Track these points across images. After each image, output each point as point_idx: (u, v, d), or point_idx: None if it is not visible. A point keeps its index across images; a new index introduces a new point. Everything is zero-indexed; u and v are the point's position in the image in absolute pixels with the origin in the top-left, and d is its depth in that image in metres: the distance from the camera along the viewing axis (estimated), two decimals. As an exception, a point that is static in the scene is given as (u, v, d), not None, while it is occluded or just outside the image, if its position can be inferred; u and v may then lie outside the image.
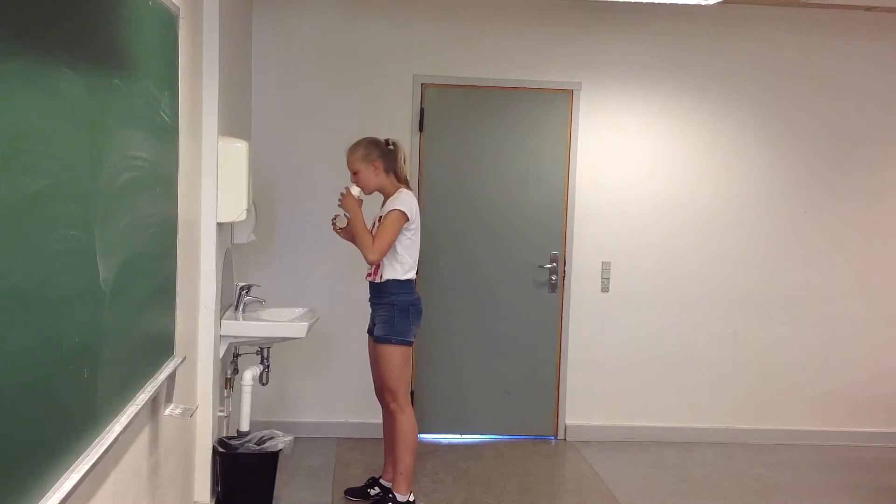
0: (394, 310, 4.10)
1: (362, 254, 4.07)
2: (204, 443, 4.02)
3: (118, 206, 2.34)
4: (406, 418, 4.14)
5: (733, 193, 5.53)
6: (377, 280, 4.12)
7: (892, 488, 4.96)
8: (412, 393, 5.45)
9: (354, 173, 4.14)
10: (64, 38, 1.90)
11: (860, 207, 5.60)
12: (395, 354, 4.10)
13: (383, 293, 4.12)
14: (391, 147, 4.18)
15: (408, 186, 4.22)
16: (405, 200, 4.07)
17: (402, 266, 4.10)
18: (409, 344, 4.16)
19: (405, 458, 4.15)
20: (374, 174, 4.12)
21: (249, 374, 4.37)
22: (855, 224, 5.60)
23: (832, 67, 5.52)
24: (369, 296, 4.23)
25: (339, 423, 5.35)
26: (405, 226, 4.06)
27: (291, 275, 5.29)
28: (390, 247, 4.04)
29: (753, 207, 5.55)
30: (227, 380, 4.42)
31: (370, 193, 4.18)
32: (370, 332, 4.29)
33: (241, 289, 4.37)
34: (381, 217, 4.14)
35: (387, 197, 4.18)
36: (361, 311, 5.37)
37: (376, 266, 4.11)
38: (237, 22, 4.54)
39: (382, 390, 4.20)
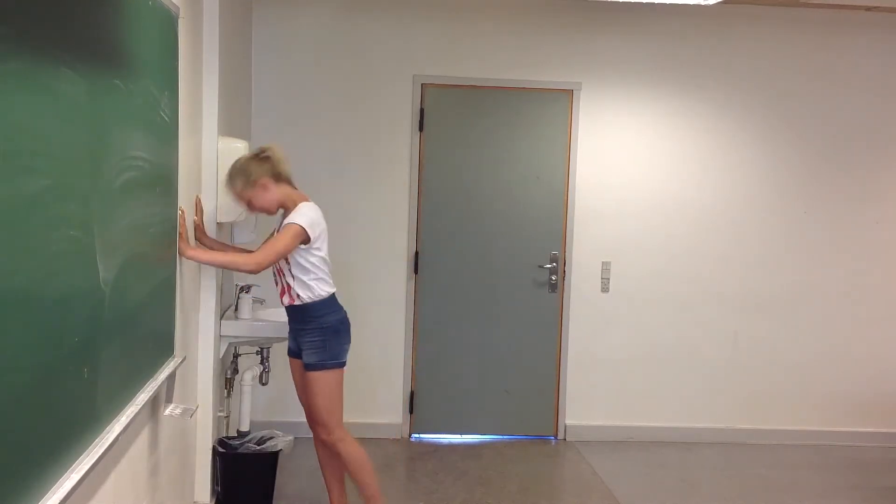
0: (325, 332, 3.67)
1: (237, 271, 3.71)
2: (204, 443, 4.02)
3: (118, 206, 2.34)
4: (348, 446, 3.76)
5: (733, 193, 5.53)
6: (295, 303, 3.68)
7: (892, 488, 4.96)
8: (412, 393, 5.45)
9: (248, 203, 3.67)
10: (64, 38, 1.90)
11: (860, 207, 5.60)
12: (329, 381, 3.69)
13: (308, 317, 3.68)
14: (266, 155, 3.66)
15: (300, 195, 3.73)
16: (305, 214, 3.58)
17: (318, 283, 3.66)
18: (344, 365, 3.75)
19: (367, 482, 3.78)
20: (267, 193, 3.61)
21: (249, 374, 4.37)
22: (855, 224, 5.60)
23: (832, 67, 5.51)
24: (289, 319, 3.78)
25: (339, 423, 5.33)
26: (311, 243, 3.61)
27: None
28: (277, 260, 3.58)
29: (753, 207, 5.55)
30: (227, 380, 4.42)
31: (274, 213, 3.73)
32: (294, 354, 3.84)
33: (241, 289, 4.36)
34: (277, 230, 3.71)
35: (287, 211, 3.67)
36: (361, 310, 5.38)
37: (284, 288, 3.68)
38: (237, 22, 4.54)
39: (316, 422, 3.79)
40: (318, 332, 3.67)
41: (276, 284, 3.75)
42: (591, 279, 5.51)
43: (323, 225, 3.67)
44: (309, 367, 3.70)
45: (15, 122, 1.62)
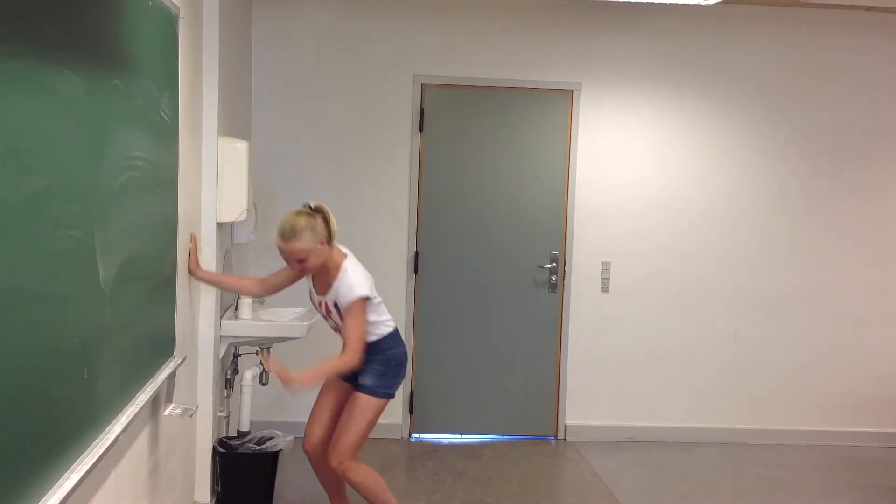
0: (389, 364, 3.67)
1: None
2: (204, 443, 4.02)
3: (118, 206, 2.34)
4: (356, 474, 3.66)
5: (733, 193, 5.53)
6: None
7: (892, 488, 4.96)
8: (412, 393, 5.46)
9: (301, 261, 3.47)
10: (64, 38, 1.90)
11: (860, 207, 5.60)
12: (373, 408, 3.64)
13: (375, 350, 3.65)
14: (324, 214, 3.52)
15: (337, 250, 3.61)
16: (359, 282, 3.51)
17: (381, 325, 3.67)
18: (391, 398, 3.73)
19: (385, 501, 3.73)
20: (322, 253, 3.49)
21: (249, 374, 4.37)
22: (854, 223, 5.60)
23: (832, 67, 5.52)
24: None
25: (339, 423, 5.34)
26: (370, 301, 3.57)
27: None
28: (364, 335, 3.56)
29: (753, 207, 5.55)
30: (227, 380, 4.42)
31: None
32: (335, 324, 3.74)
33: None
34: (329, 293, 3.58)
35: (328, 270, 3.55)
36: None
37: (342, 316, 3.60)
38: (237, 22, 4.54)
39: (335, 444, 3.63)
40: (384, 363, 3.66)
41: (334, 330, 3.71)
42: (591, 279, 5.51)
43: (371, 279, 3.61)
44: (363, 388, 3.65)
45: (15, 122, 1.62)
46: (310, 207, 3.52)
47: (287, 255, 3.48)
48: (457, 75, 5.34)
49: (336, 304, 3.57)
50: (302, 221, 3.43)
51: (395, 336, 3.74)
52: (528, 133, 5.42)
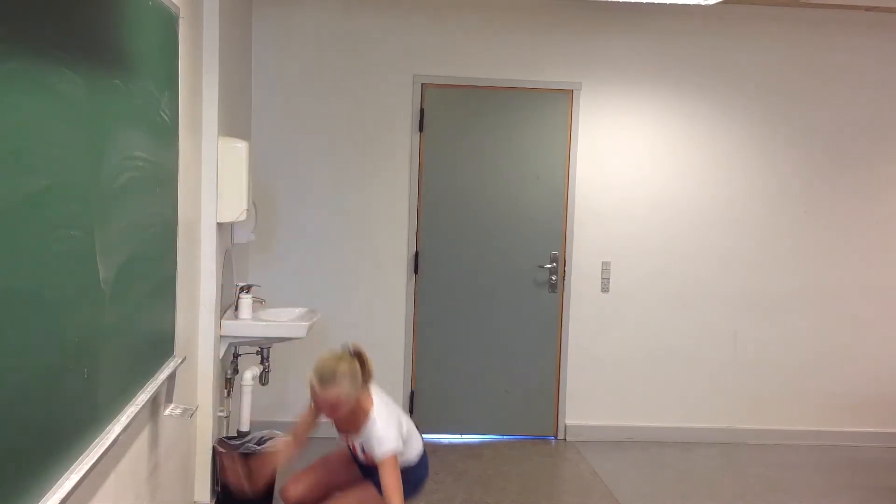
0: (408, 481, 3.40)
1: None
2: (204, 443, 4.02)
3: (118, 206, 2.34)
4: None
5: (733, 193, 5.53)
6: None
7: (892, 488, 4.96)
8: (412, 393, 5.46)
9: (334, 406, 3.21)
10: (64, 38, 1.90)
11: (860, 207, 5.61)
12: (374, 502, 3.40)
13: (402, 471, 3.38)
14: (360, 356, 3.29)
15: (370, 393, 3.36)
16: (388, 435, 3.27)
17: (411, 450, 3.50)
18: None
19: None
20: (356, 398, 3.25)
21: (249, 374, 4.37)
22: (854, 224, 5.61)
23: (832, 67, 5.52)
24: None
25: (339, 423, 5.33)
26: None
27: (291, 275, 5.30)
28: (401, 485, 3.26)
29: (753, 207, 5.55)
30: (227, 380, 4.42)
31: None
32: (356, 459, 3.54)
33: (241, 289, 4.36)
34: (357, 437, 3.39)
35: (356, 415, 3.31)
36: (362, 310, 5.39)
37: (372, 462, 3.35)
38: (237, 22, 4.54)
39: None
40: (405, 480, 3.36)
41: (355, 455, 3.51)
42: (591, 279, 5.51)
43: (398, 418, 3.42)
44: (378, 485, 3.36)
45: (15, 122, 1.62)
46: (349, 352, 3.29)
47: (320, 401, 3.22)
48: (457, 75, 5.35)
49: (363, 448, 3.39)
50: (344, 367, 3.20)
51: (421, 461, 3.58)
52: (528, 133, 5.42)
